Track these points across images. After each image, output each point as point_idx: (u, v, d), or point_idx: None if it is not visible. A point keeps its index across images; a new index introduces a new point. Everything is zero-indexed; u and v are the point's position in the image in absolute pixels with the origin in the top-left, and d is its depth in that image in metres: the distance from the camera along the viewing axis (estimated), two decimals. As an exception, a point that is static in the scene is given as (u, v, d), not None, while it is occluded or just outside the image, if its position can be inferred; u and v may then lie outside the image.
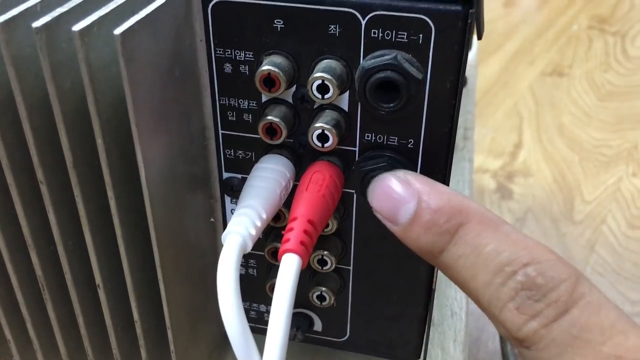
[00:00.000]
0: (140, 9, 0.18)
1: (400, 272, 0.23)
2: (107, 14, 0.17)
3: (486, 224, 0.17)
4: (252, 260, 0.25)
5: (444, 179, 0.21)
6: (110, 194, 0.19)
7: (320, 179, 0.20)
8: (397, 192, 0.18)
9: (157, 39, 0.18)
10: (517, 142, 0.78)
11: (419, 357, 0.26)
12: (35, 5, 0.17)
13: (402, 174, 0.18)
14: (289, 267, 0.18)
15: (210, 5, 0.20)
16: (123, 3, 0.18)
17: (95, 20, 0.17)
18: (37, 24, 0.16)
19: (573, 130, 0.79)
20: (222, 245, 0.19)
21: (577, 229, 0.65)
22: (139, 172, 0.19)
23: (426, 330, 0.25)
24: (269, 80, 0.20)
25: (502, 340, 0.50)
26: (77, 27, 0.16)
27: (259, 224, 0.19)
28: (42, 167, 0.19)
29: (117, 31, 0.16)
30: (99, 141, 0.18)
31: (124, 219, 0.20)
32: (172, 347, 0.23)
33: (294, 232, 0.19)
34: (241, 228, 0.18)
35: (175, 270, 0.22)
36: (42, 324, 0.24)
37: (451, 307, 0.31)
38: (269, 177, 0.20)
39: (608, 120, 0.81)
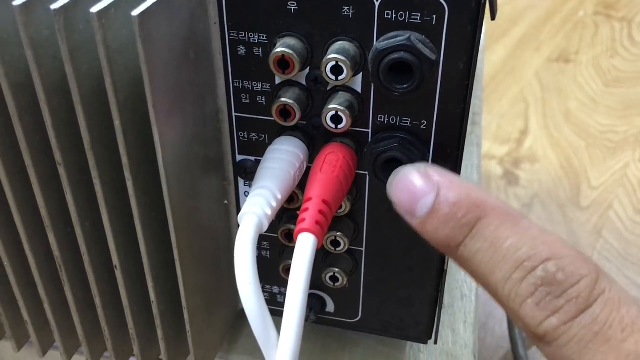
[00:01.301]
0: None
1: (413, 254, 0.24)
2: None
3: (505, 218, 0.17)
4: (265, 242, 0.25)
5: (457, 160, 0.21)
6: (127, 175, 0.19)
7: (334, 160, 0.20)
8: (416, 185, 0.18)
9: (173, 22, 0.18)
10: (523, 129, 0.78)
11: (430, 338, 0.26)
12: (53, -13, 0.17)
13: (423, 167, 0.18)
14: (305, 246, 0.18)
15: (224, -10, 0.20)
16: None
17: (112, 2, 0.17)
18: (55, 5, 0.17)
19: (579, 117, 0.79)
20: (236, 228, 0.19)
21: (584, 215, 0.65)
22: (156, 153, 0.19)
23: (437, 312, 0.25)
24: (283, 62, 0.20)
25: (510, 325, 0.50)
26: (95, 9, 0.16)
27: (274, 204, 0.19)
28: (60, 149, 0.19)
29: (135, 12, 0.16)
30: (117, 122, 0.18)
31: (140, 200, 0.20)
32: (188, 328, 0.23)
33: (310, 212, 0.19)
34: (257, 208, 0.19)
35: (190, 252, 0.22)
36: (59, 305, 0.24)
37: (461, 289, 0.31)
38: (283, 158, 0.21)
39: (615, 106, 0.81)
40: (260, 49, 0.21)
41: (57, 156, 0.19)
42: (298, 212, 0.19)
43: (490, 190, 0.67)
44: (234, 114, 0.22)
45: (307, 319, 0.26)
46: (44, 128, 0.19)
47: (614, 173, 0.70)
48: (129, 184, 0.19)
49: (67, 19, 0.17)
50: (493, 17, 0.20)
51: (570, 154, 0.73)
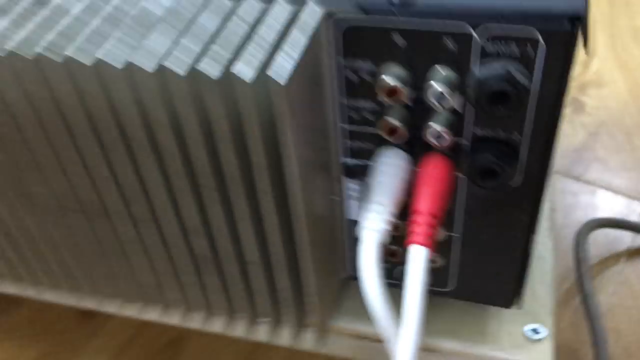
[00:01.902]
0: (290, 43, 0.20)
1: (501, 238, 0.27)
2: (267, 56, 0.20)
3: None
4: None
5: (545, 168, 0.24)
6: (265, 187, 0.23)
7: (438, 173, 0.23)
8: None
9: (306, 66, 0.21)
10: (590, 50, 0.76)
11: (513, 304, 0.29)
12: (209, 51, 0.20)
13: None
14: (419, 259, 0.21)
15: (344, 29, 0.22)
16: (275, 43, 0.20)
17: (259, 66, 0.20)
18: (215, 72, 0.19)
19: (649, 34, 0.77)
20: (340, 215, 0.22)
21: (651, 141, 0.66)
22: (289, 162, 0.22)
23: (521, 283, 0.28)
24: (391, 91, 0.22)
25: (576, 258, 0.53)
26: (249, 79, 0.19)
27: (391, 219, 0.22)
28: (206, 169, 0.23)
29: (281, 80, 0.19)
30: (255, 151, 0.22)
31: (278, 199, 0.23)
32: (314, 291, 0.27)
33: (421, 226, 0.22)
34: (376, 225, 0.22)
35: (312, 234, 0.25)
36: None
37: (538, 251, 0.34)
38: (392, 172, 0.24)
39: (687, 21, 0.78)
40: (370, 76, 0.23)
41: (204, 178, 0.23)
42: (408, 223, 0.23)
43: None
44: (344, 125, 0.25)
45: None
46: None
47: (683, 96, 0.69)
48: (266, 195, 0.23)
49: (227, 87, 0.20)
50: (587, 50, 0.21)
51: (639, 76, 0.72)
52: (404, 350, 0.20)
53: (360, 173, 0.26)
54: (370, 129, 0.25)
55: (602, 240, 0.57)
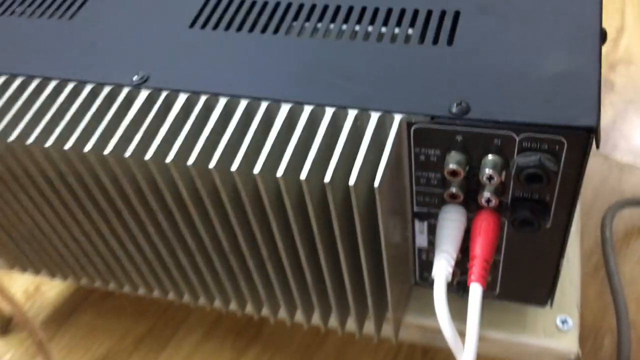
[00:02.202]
0: (380, 150, 0.28)
1: (536, 259, 0.35)
2: (367, 165, 0.28)
3: None
4: (432, 253, 0.37)
5: (570, 215, 0.32)
6: (360, 239, 0.31)
7: (488, 225, 0.31)
8: None
9: (391, 158, 0.29)
10: (619, 27, 0.81)
11: (547, 303, 0.38)
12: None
13: None
14: (476, 294, 0.30)
15: (413, 129, 0.30)
16: (369, 151, 0.29)
17: (362, 174, 0.28)
18: (303, 175, 0.28)
19: (678, 7, 0.81)
20: (411, 245, 0.31)
21: (676, 118, 0.71)
22: (380, 217, 0.30)
23: (554, 287, 0.37)
24: (453, 172, 0.30)
25: (602, 232, 0.61)
26: (351, 182, 0.28)
27: (453, 262, 0.31)
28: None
29: (376, 184, 0.27)
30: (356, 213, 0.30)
31: (367, 236, 0.32)
32: (389, 296, 0.36)
33: (476, 268, 0.30)
34: (444, 269, 0.31)
35: (391, 256, 0.34)
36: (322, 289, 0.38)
37: (567, 255, 0.42)
38: (454, 226, 0.32)
39: None
40: (436, 158, 0.31)
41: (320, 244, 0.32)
42: (468, 266, 0.31)
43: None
44: (414, 188, 0.33)
45: (462, 295, 0.38)
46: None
47: None
48: (361, 238, 0.32)
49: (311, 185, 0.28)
50: (598, 146, 0.29)
51: (666, 52, 0.77)
52: (468, 355, 0.29)
53: (425, 217, 0.34)
54: (434, 190, 0.33)
55: (628, 217, 0.64)
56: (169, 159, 0.30)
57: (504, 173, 0.30)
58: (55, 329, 0.68)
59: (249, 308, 0.42)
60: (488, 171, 0.30)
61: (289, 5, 0.37)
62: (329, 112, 0.30)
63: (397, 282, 0.36)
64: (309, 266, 0.34)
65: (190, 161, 0.30)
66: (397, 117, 0.30)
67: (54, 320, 0.69)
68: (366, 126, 0.30)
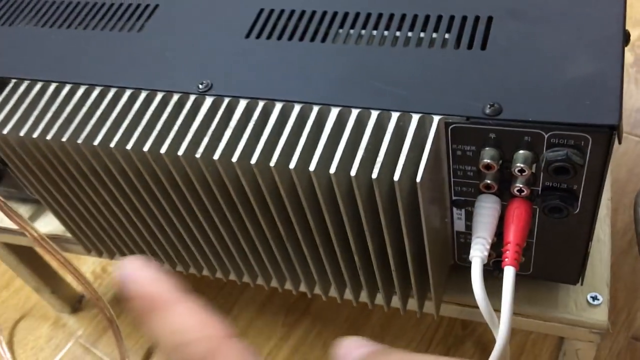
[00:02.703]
0: (420, 148, 0.32)
1: (567, 241, 0.38)
2: (410, 162, 0.32)
3: None
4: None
5: (596, 201, 0.35)
6: (403, 219, 0.35)
7: (520, 213, 0.35)
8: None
9: (430, 154, 0.33)
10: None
11: (578, 281, 0.41)
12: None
13: None
14: (510, 276, 0.34)
15: (450, 128, 0.33)
16: (411, 150, 0.32)
17: (406, 171, 0.32)
18: (353, 172, 0.32)
19: None
20: (450, 230, 0.35)
21: None
22: (422, 206, 0.34)
23: (584, 264, 0.40)
24: (488, 166, 0.34)
25: (636, 211, 0.63)
26: (396, 177, 0.31)
27: (488, 247, 0.35)
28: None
29: (418, 179, 0.31)
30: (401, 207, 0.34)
31: (409, 222, 0.36)
32: (430, 276, 0.40)
33: (510, 252, 0.34)
34: (480, 253, 0.34)
35: (432, 240, 0.38)
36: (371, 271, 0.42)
37: (597, 234, 0.45)
38: (489, 214, 0.35)
39: None
40: (471, 152, 0.34)
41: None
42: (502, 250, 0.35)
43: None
44: (452, 179, 0.37)
45: (498, 275, 0.42)
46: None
47: None
48: (403, 220, 0.35)
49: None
50: (620, 142, 0.32)
51: None
52: (502, 333, 0.33)
53: (462, 205, 0.38)
54: (470, 182, 0.36)
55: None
56: (234, 159, 0.34)
57: (534, 166, 0.34)
58: (122, 306, 0.74)
59: (303, 287, 0.47)
60: (519, 165, 0.33)
61: (334, 15, 0.41)
62: (374, 114, 0.34)
63: (437, 263, 0.40)
64: (357, 251, 0.38)
65: (253, 160, 0.34)
66: (436, 119, 0.33)
67: (121, 299, 0.75)
68: (408, 126, 0.34)
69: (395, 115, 0.34)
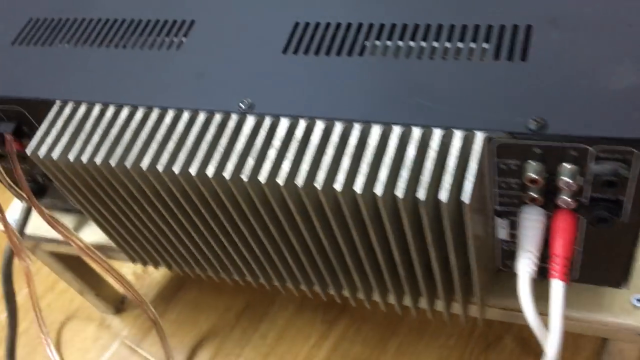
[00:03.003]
0: (467, 168, 0.32)
1: (612, 248, 0.38)
2: (455, 182, 0.32)
3: None
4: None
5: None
6: (447, 233, 0.36)
7: (567, 226, 0.35)
8: None
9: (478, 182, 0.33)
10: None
11: (623, 285, 0.41)
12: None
13: None
14: (559, 290, 0.34)
15: (494, 143, 0.33)
16: (457, 169, 0.32)
17: (451, 190, 0.32)
18: (400, 193, 0.32)
19: None
20: (493, 237, 0.35)
21: None
22: (465, 219, 0.34)
23: (630, 269, 0.40)
24: (532, 180, 0.34)
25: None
26: (443, 198, 0.32)
27: (536, 261, 0.35)
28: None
29: (466, 200, 0.31)
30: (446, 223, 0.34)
31: (456, 232, 0.36)
32: (475, 280, 0.40)
33: (559, 267, 0.34)
34: (529, 268, 0.34)
35: (477, 246, 0.38)
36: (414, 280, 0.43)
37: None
38: (535, 226, 0.35)
39: None
40: (516, 168, 0.34)
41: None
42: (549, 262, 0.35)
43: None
44: (495, 190, 0.37)
45: (541, 279, 0.42)
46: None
47: None
48: (448, 232, 0.36)
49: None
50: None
51: None
52: (552, 345, 0.33)
53: (506, 214, 0.38)
54: (514, 193, 0.36)
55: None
56: (280, 181, 0.35)
57: (580, 178, 0.34)
58: (164, 306, 0.76)
59: (346, 293, 0.48)
60: (565, 179, 0.33)
61: (370, 26, 0.41)
62: (417, 132, 0.34)
63: (482, 271, 0.40)
64: (402, 263, 0.39)
65: (299, 182, 0.35)
66: (480, 136, 0.33)
67: (162, 299, 0.77)
68: (450, 144, 0.34)
69: (438, 133, 0.34)
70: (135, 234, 0.48)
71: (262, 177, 0.36)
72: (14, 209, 0.62)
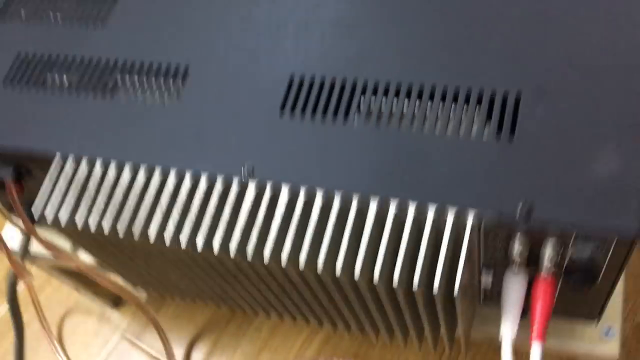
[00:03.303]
0: (458, 257, 0.35)
1: (588, 297, 0.42)
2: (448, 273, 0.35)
3: None
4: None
5: (616, 279, 0.38)
6: (439, 306, 0.39)
7: (546, 294, 0.38)
8: None
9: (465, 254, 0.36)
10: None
11: (597, 319, 0.45)
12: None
13: None
14: (538, 349, 0.37)
15: (482, 223, 0.36)
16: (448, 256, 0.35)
17: (442, 281, 0.35)
18: (395, 282, 0.35)
19: None
20: (477, 299, 0.39)
21: None
22: (455, 294, 0.38)
23: (604, 307, 0.44)
24: (516, 258, 0.37)
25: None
26: (434, 290, 0.34)
27: (516, 327, 0.38)
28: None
29: (455, 292, 0.34)
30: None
31: (445, 301, 0.40)
32: (459, 321, 0.44)
33: (539, 328, 0.38)
34: (511, 332, 0.38)
35: (464, 304, 0.41)
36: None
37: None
38: (517, 289, 0.39)
39: None
40: (502, 240, 0.37)
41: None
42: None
43: None
44: (482, 262, 0.40)
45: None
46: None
47: None
48: (440, 307, 0.39)
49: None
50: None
51: None
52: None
53: (490, 269, 0.41)
54: (498, 261, 0.39)
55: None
56: (283, 263, 0.38)
57: (562, 252, 0.37)
58: (161, 301, 0.79)
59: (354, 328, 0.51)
60: (547, 255, 0.36)
61: (365, 83, 0.41)
62: (411, 211, 0.36)
63: (466, 318, 0.44)
64: (394, 316, 0.42)
65: (301, 265, 0.37)
66: (470, 217, 0.35)
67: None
68: (444, 226, 0.36)
69: (431, 213, 0.36)
70: (144, 275, 0.51)
71: (265, 258, 0.38)
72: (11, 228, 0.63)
